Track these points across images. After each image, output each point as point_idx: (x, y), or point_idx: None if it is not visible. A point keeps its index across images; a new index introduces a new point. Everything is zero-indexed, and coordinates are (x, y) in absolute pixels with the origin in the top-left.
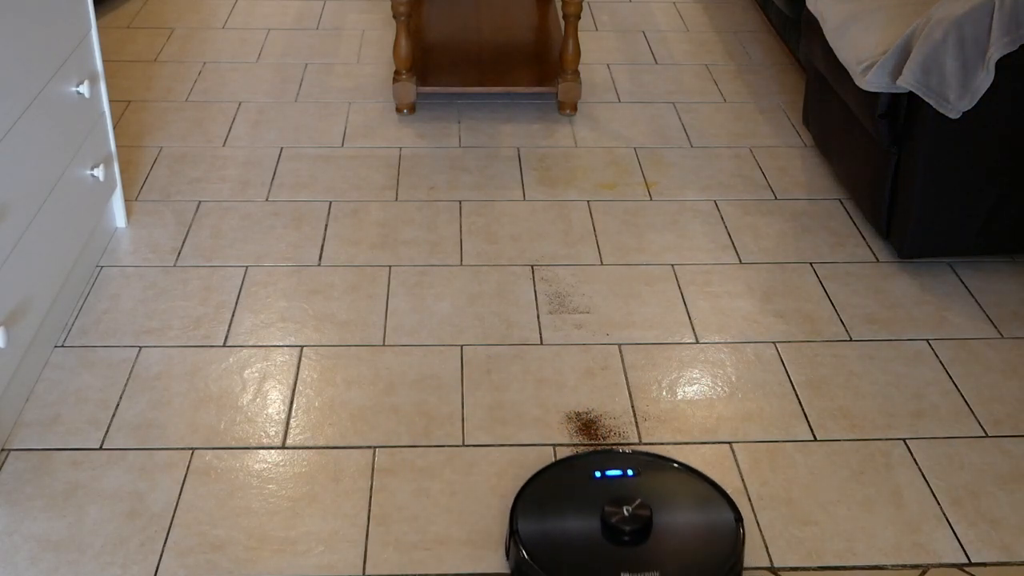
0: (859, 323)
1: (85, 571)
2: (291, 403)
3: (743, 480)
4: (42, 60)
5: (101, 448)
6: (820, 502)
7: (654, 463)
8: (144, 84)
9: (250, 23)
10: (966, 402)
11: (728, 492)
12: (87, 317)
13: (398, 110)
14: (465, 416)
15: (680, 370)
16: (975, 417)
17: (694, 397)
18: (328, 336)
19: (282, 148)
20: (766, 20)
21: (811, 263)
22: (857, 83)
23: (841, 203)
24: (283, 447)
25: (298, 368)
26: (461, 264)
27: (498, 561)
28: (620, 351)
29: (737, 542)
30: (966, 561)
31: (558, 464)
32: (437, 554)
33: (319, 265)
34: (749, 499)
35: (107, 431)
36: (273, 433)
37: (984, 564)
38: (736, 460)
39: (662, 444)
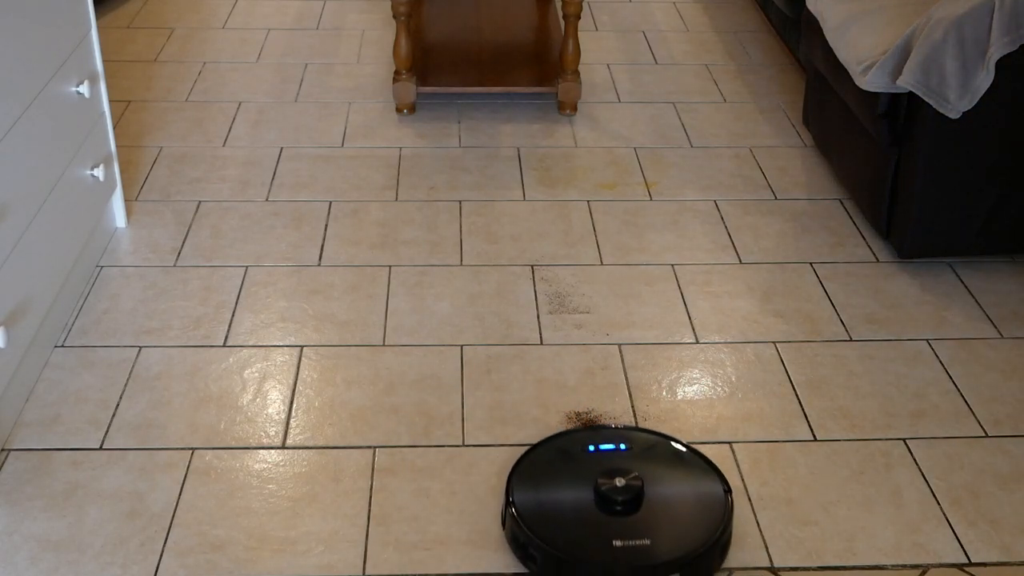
0: (859, 323)
1: (85, 571)
2: (291, 403)
3: (743, 480)
4: (42, 60)
5: (101, 448)
6: (820, 502)
7: (646, 438)
8: (144, 84)
9: (250, 23)
10: (966, 402)
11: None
12: (87, 317)
13: (398, 110)
14: (465, 416)
15: (680, 370)
16: (975, 417)
17: (694, 397)
18: (328, 336)
19: (282, 148)
20: (766, 20)
21: (811, 263)
22: (857, 83)
23: (841, 203)
24: (283, 447)
25: (298, 368)
26: (461, 264)
27: (498, 561)
28: (620, 351)
29: (726, 512)
30: (966, 561)
31: (553, 438)
32: (437, 554)
33: (319, 265)
34: (749, 499)
35: (107, 431)
36: (273, 433)
37: (984, 564)
38: (736, 460)
39: None
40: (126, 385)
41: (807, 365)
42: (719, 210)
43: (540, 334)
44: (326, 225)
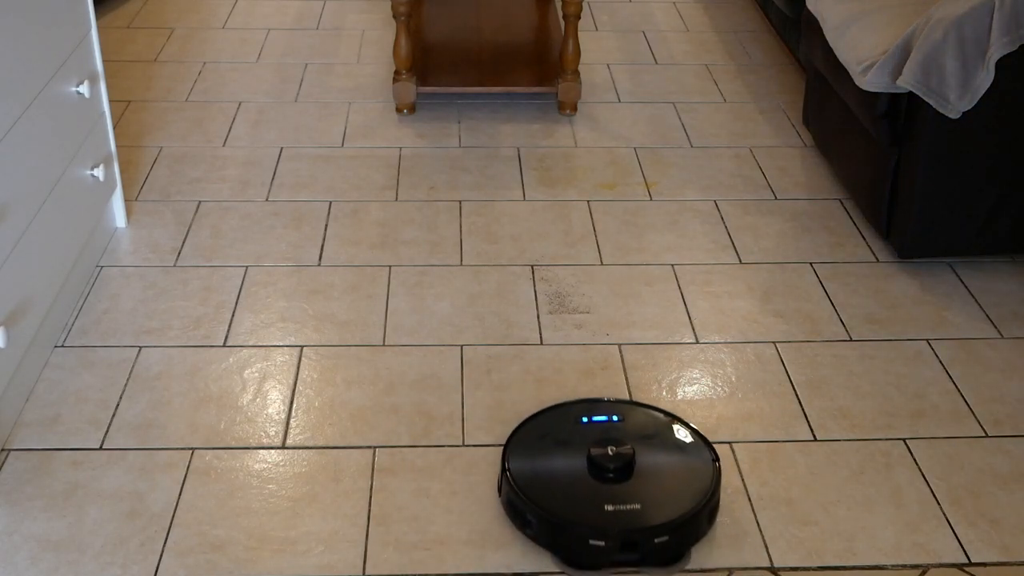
0: (859, 323)
1: (85, 571)
2: (291, 403)
3: (743, 480)
4: (42, 60)
5: (101, 448)
6: (820, 502)
7: (638, 410)
8: (144, 84)
9: (250, 23)
10: (966, 402)
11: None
12: (87, 317)
13: (398, 110)
14: (465, 416)
15: (680, 370)
16: (975, 417)
17: (694, 397)
18: (328, 336)
19: (282, 148)
20: (766, 20)
21: (811, 263)
22: (857, 83)
23: (841, 203)
24: (283, 447)
25: (298, 368)
26: (461, 264)
27: (498, 561)
28: (620, 351)
29: (713, 479)
30: (966, 561)
31: (548, 410)
32: (437, 554)
33: (319, 265)
34: (749, 499)
35: (107, 431)
36: (273, 433)
37: (984, 564)
38: (736, 460)
39: None
40: (126, 385)
41: (807, 365)
42: (719, 210)
43: (540, 334)
44: (326, 225)
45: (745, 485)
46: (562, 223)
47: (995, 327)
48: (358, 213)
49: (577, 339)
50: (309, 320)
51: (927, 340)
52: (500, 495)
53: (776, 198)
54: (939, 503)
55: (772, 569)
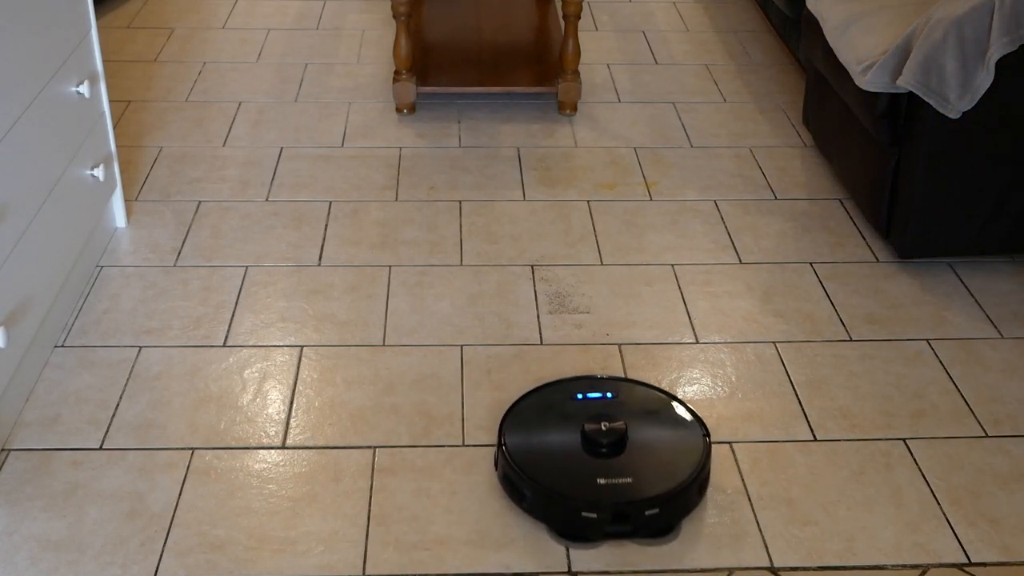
0: (859, 323)
1: (85, 571)
2: (291, 403)
3: (743, 480)
4: (42, 60)
5: (101, 448)
6: (820, 502)
7: (632, 387)
8: (144, 84)
9: (250, 23)
10: (966, 402)
11: (709, 426)
12: (87, 317)
13: (398, 110)
14: (465, 416)
15: (680, 370)
16: (975, 417)
17: (694, 397)
18: (328, 336)
19: (282, 148)
20: (766, 20)
21: (811, 263)
22: (857, 83)
23: (841, 203)
24: (283, 447)
25: (298, 368)
26: (461, 264)
27: (498, 561)
28: (620, 351)
29: (703, 453)
30: (966, 561)
31: (543, 387)
32: (437, 554)
33: (319, 265)
34: (749, 499)
35: (107, 431)
36: (273, 433)
37: (984, 564)
38: (736, 460)
39: None
40: (126, 385)
41: (807, 365)
42: (719, 210)
43: (540, 334)
44: (326, 225)
45: (745, 485)
46: (562, 223)
47: (995, 327)
48: (358, 213)
49: (577, 339)
50: (309, 320)
51: (927, 340)
52: (496, 469)
53: (776, 198)
54: (939, 503)
55: (772, 569)
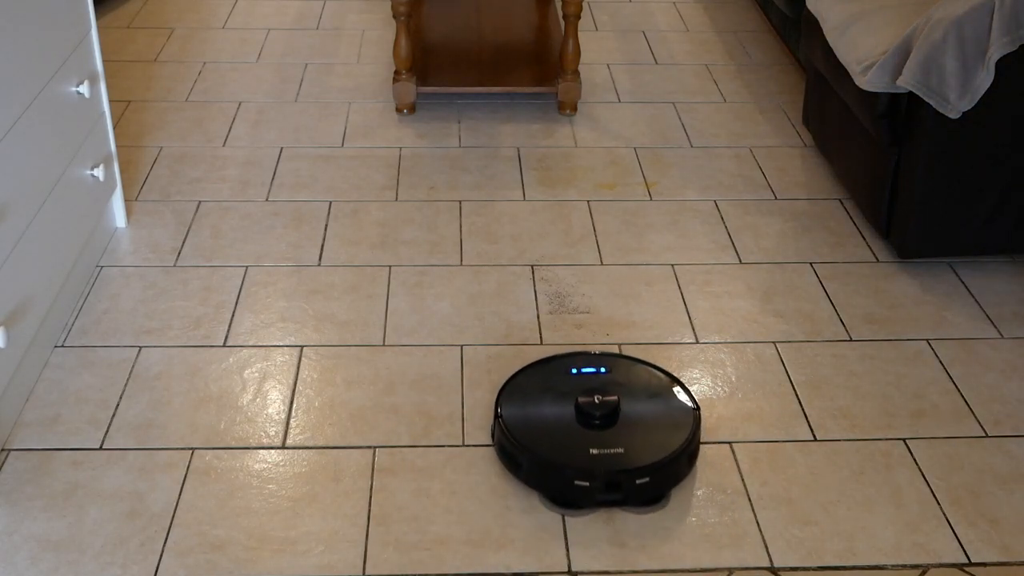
0: (859, 323)
1: (85, 571)
2: (291, 403)
3: (743, 480)
4: (42, 60)
5: (101, 448)
6: (820, 502)
7: (625, 362)
8: (144, 84)
9: (250, 23)
10: (966, 402)
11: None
12: (87, 317)
13: (398, 110)
14: (465, 416)
15: (680, 370)
16: (975, 417)
17: (694, 397)
18: (328, 336)
19: (282, 148)
20: (766, 20)
21: (811, 263)
22: (857, 83)
23: (841, 203)
24: (283, 447)
25: (298, 368)
26: (461, 264)
27: (498, 561)
28: (620, 351)
29: (693, 425)
30: (966, 561)
31: (539, 363)
32: (437, 554)
33: (319, 265)
34: (749, 499)
35: (107, 431)
36: (273, 433)
37: (984, 564)
38: (736, 460)
39: None
40: (126, 385)
41: (807, 365)
42: (719, 210)
43: (540, 334)
44: (326, 225)
45: (745, 485)
46: (562, 223)
47: (995, 327)
48: (358, 213)
49: (577, 339)
50: (309, 320)
51: (927, 340)
52: (493, 440)
53: (776, 198)
54: (939, 503)
55: (772, 569)
